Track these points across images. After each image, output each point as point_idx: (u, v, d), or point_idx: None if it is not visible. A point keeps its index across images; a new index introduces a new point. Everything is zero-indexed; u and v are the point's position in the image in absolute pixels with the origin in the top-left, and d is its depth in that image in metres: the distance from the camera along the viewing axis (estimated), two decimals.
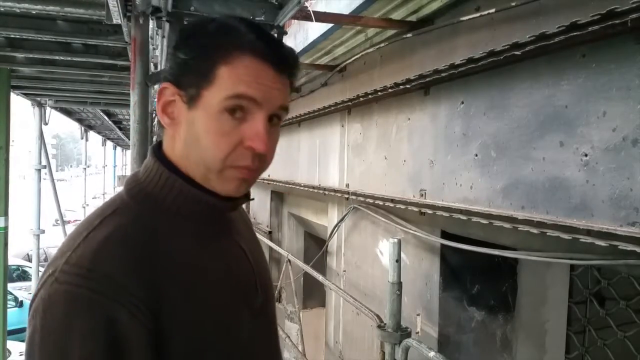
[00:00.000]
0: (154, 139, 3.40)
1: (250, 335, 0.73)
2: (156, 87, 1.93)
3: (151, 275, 0.61)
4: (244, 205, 0.88)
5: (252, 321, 0.74)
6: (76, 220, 16.79)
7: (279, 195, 5.28)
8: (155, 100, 0.69)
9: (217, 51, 0.65)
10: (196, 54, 0.66)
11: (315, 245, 4.66)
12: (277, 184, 4.36)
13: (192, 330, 0.63)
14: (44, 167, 6.40)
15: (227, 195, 0.69)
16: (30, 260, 8.96)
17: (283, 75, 0.67)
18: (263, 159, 0.68)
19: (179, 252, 0.66)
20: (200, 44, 0.67)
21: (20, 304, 7.63)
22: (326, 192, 3.19)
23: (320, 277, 2.81)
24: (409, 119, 2.32)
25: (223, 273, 0.71)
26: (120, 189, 0.74)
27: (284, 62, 0.67)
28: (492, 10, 1.67)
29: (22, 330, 7.27)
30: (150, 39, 2.31)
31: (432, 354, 1.52)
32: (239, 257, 0.77)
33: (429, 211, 2.00)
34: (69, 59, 3.40)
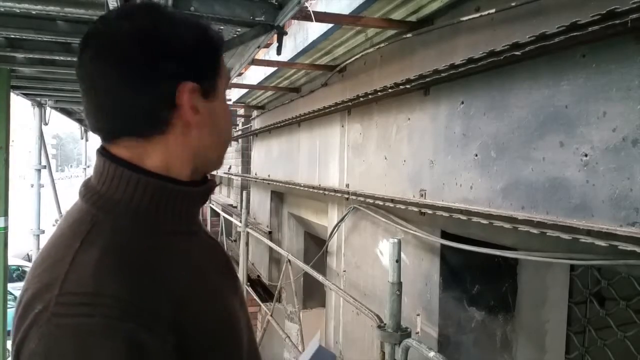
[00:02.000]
0: None
1: (241, 324, 0.73)
2: None
3: (157, 286, 0.58)
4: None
5: (239, 310, 0.74)
6: None
7: (279, 196, 5.29)
8: (179, 99, 0.64)
9: (217, 44, 0.72)
10: (209, 50, 0.70)
11: (315, 246, 4.66)
12: (277, 184, 4.36)
13: (202, 332, 0.62)
14: (44, 167, 6.39)
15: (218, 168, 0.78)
16: (30, 260, 8.96)
17: None
18: None
19: (166, 255, 0.64)
20: (209, 41, 0.70)
21: None
22: (326, 192, 3.19)
23: (320, 277, 2.81)
24: (409, 119, 2.32)
25: (212, 265, 0.73)
26: None
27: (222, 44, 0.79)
28: (492, 11, 1.67)
29: None
30: None
31: (432, 354, 1.52)
32: (215, 248, 0.78)
33: (429, 211, 2.00)
34: (69, 59, 3.39)
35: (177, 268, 0.64)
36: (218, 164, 0.76)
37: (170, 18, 0.67)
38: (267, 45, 3.48)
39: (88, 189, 0.66)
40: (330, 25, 2.52)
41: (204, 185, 0.73)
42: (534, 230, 1.44)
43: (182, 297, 0.61)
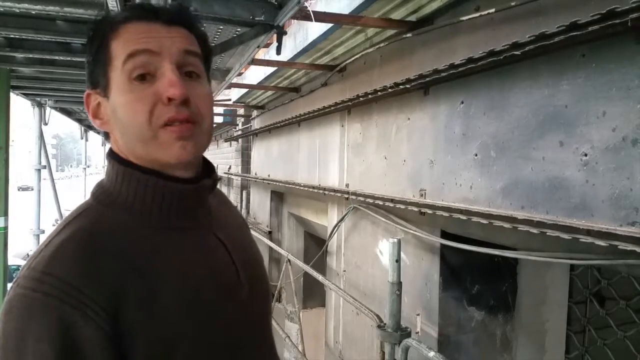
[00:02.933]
0: None
1: (233, 328, 0.70)
2: None
3: (109, 275, 0.60)
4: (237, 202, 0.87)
5: (235, 314, 0.71)
6: None
7: (279, 195, 5.29)
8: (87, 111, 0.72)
9: (106, 34, 0.67)
10: (91, 47, 0.68)
11: (315, 245, 4.66)
12: (277, 183, 4.36)
13: (157, 329, 0.62)
14: (44, 167, 6.39)
15: (178, 160, 0.67)
16: None
17: (175, 26, 0.69)
18: (191, 107, 0.66)
19: (141, 248, 0.65)
20: (94, 38, 0.69)
21: None
22: (326, 192, 3.19)
23: (320, 277, 2.81)
24: (408, 119, 2.32)
25: (193, 265, 0.69)
26: None
27: (170, 14, 0.69)
28: (492, 10, 1.67)
29: None
30: None
31: (431, 354, 1.52)
32: (214, 248, 0.73)
33: (429, 211, 2.00)
34: (69, 59, 3.40)
35: (139, 263, 0.63)
36: (155, 160, 0.67)
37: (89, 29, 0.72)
38: (267, 45, 3.48)
39: (97, 185, 0.72)
40: (330, 25, 2.52)
41: (196, 184, 0.71)
42: (534, 230, 1.44)
43: (133, 292, 0.61)
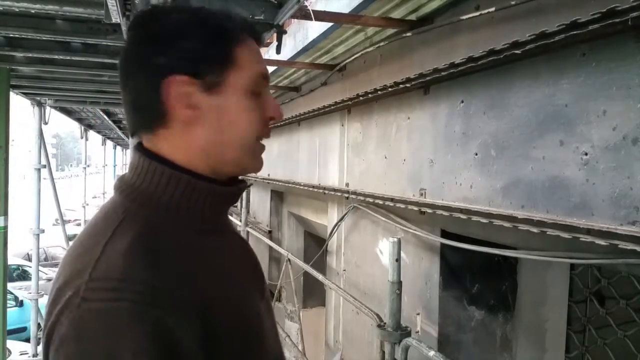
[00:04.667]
0: None
1: (267, 325, 0.73)
2: None
3: (186, 278, 0.59)
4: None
5: (267, 312, 0.74)
6: (76, 220, 16.76)
7: (279, 195, 5.28)
8: (165, 92, 0.63)
9: (230, 34, 0.68)
10: (209, 40, 0.65)
11: (315, 245, 4.66)
12: (277, 183, 4.36)
13: (235, 326, 0.63)
14: (44, 166, 6.39)
15: (258, 170, 0.73)
16: (30, 260, 8.97)
17: None
18: None
19: (190, 252, 0.64)
20: (210, 30, 0.66)
21: (20, 304, 7.62)
22: (326, 192, 3.19)
23: (320, 277, 2.81)
24: (408, 118, 2.32)
25: (239, 265, 0.72)
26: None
27: (261, 35, 0.74)
28: (492, 9, 1.67)
29: (22, 329, 7.26)
30: None
31: (431, 353, 1.52)
32: (243, 248, 0.77)
33: (429, 210, 2.00)
34: (69, 58, 3.40)
35: (203, 266, 0.64)
36: (241, 166, 0.70)
37: (172, 9, 0.69)
38: (267, 44, 3.48)
39: (123, 183, 0.67)
40: (329, 24, 2.52)
41: (233, 186, 0.71)
42: (534, 229, 1.44)
43: (209, 296, 0.61)
